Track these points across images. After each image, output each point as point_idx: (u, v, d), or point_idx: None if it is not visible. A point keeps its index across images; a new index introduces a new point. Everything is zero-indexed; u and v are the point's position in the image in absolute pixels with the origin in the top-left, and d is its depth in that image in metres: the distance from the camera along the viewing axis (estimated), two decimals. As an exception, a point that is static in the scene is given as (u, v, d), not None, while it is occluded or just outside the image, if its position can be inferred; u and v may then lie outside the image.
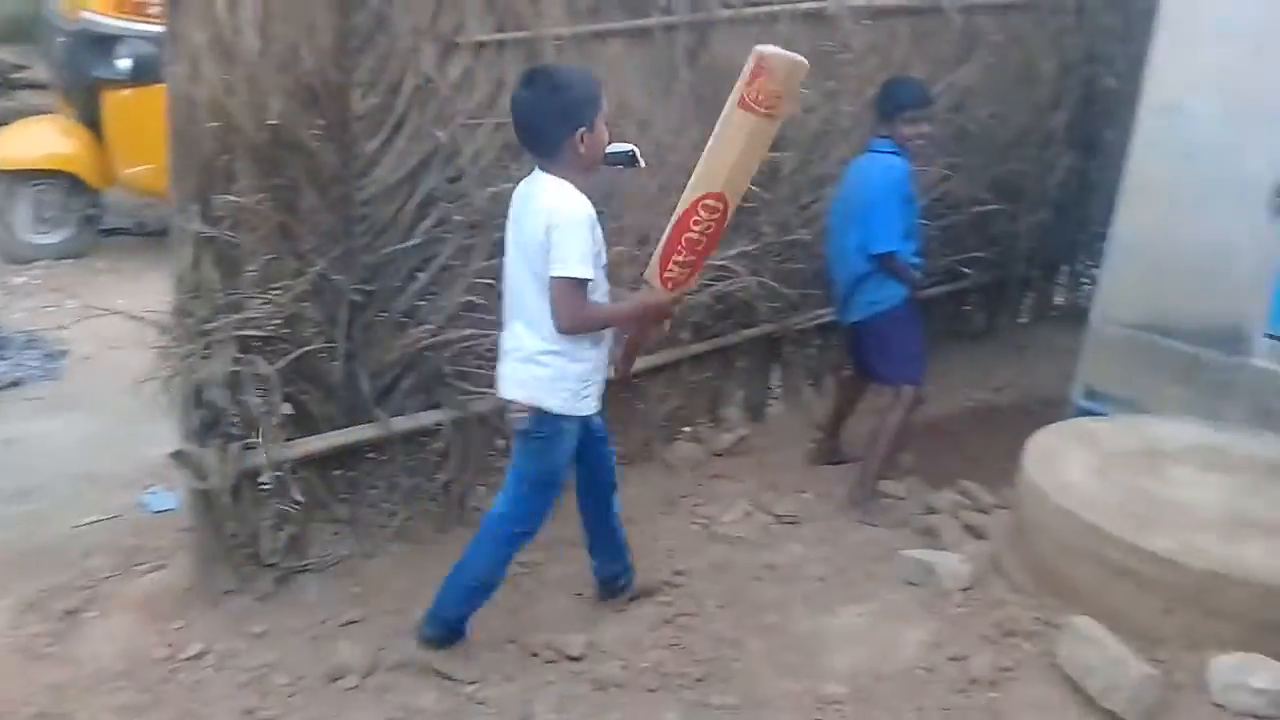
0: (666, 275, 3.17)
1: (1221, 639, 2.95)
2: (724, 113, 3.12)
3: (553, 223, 2.91)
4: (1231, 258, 4.15)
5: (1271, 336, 4.08)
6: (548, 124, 2.95)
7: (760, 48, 3.04)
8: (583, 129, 2.95)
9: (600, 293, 3.09)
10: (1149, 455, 3.63)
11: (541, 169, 3.03)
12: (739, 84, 3.06)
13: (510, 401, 3.14)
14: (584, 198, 2.98)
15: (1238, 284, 4.14)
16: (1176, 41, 4.24)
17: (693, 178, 3.17)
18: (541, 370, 3.05)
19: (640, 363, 4.42)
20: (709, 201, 3.10)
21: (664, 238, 3.19)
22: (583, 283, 2.95)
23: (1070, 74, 6.01)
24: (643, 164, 3.48)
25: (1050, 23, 5.75)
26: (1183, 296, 4.30)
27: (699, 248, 3.15)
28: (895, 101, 4.24)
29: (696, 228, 3.11)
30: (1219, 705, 2.79)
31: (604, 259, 3.12)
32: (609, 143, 3.13)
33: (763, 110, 3.03)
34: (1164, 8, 4.29)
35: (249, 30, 3.13)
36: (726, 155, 3.10)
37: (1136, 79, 4.52)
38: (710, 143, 3.15)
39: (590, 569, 3.60)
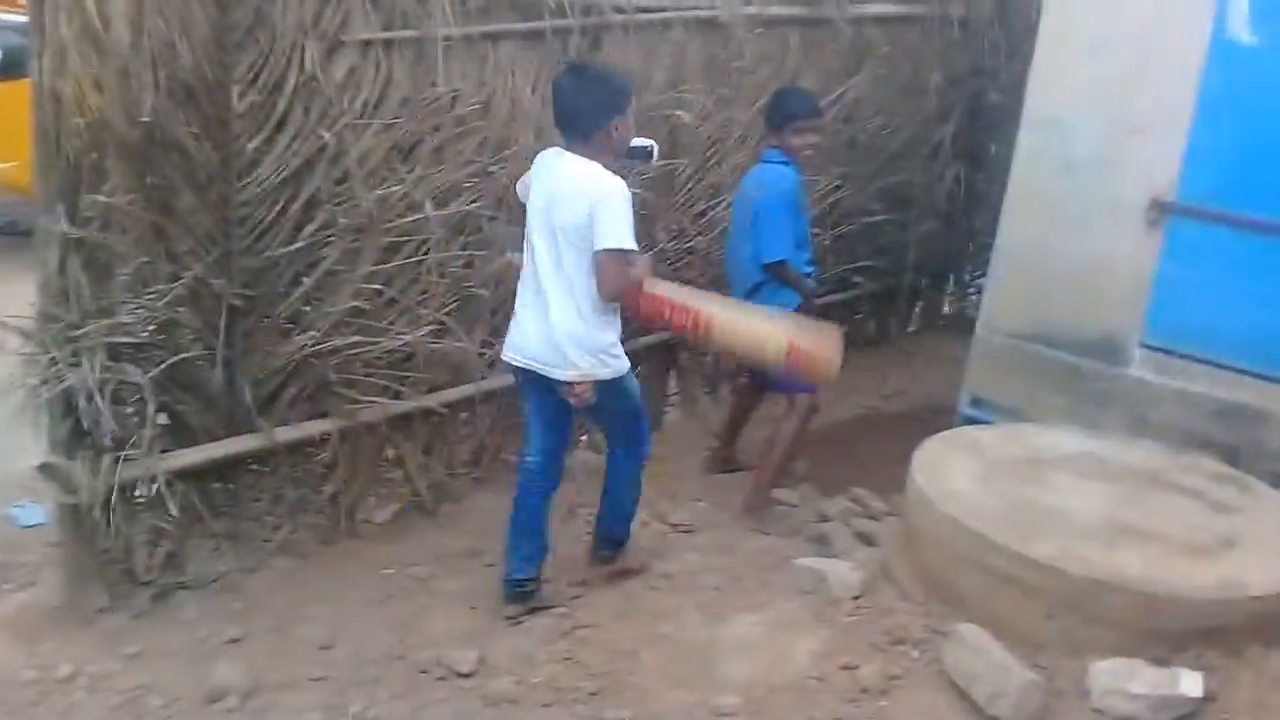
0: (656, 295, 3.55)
1: (1101, 645, 3.02)
2: (764, 322, 3.70)
3: (597, 200, 3.16)
4: (1109, 269, 4.28)
5: (1147, 347, 4.22)
6: (591, 109, 3.24)
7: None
8: (619, 119, 3.27)
9: None
10: (1032, 463, 3.71)
11: (569, 149, 3.28)
12: (793, 333, 3.63)
13: (566, 385, 3.31)
14: (618, 178, 3.24)
15: (1116, 295, 4.27)
16: (1056, 57, 4.36)
17: (719, 308, 3.67)
18: (589, 343, 3.29)
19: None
20: (703, 322, 3.59)
21: (677, 296, 3.61)
22: (628, 254, 3.21)
23: (956, 87, 6.15)
24: (655, 161, 3.76)
25: (937, 36, 5.88)
26: (1064, 307, 4.42)
27: (672, 312, 3.58)
28: (784, 112, 4.27)
29: (680, 315, 3.58)
30: (1098, 710, 2.85)
31: None
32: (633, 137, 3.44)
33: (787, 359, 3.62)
34: (1044, 25, 4.41)
35: (119, 22, 2.99)
36: (736, 332, 3.66)
37: (1019, 93, 4.64)
38: (741, 315, 3.72)
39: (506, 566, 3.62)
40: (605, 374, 3.33)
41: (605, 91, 3.28)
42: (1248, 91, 3.91)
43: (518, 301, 3.42)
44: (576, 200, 3.18)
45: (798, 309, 4.28)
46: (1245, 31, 3.88)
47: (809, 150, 4.28)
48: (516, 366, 3.42)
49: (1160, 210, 4.12)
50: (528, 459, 3.56)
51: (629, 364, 3.44)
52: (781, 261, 4.18)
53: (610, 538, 3.73)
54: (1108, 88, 4.21)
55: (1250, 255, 3.96)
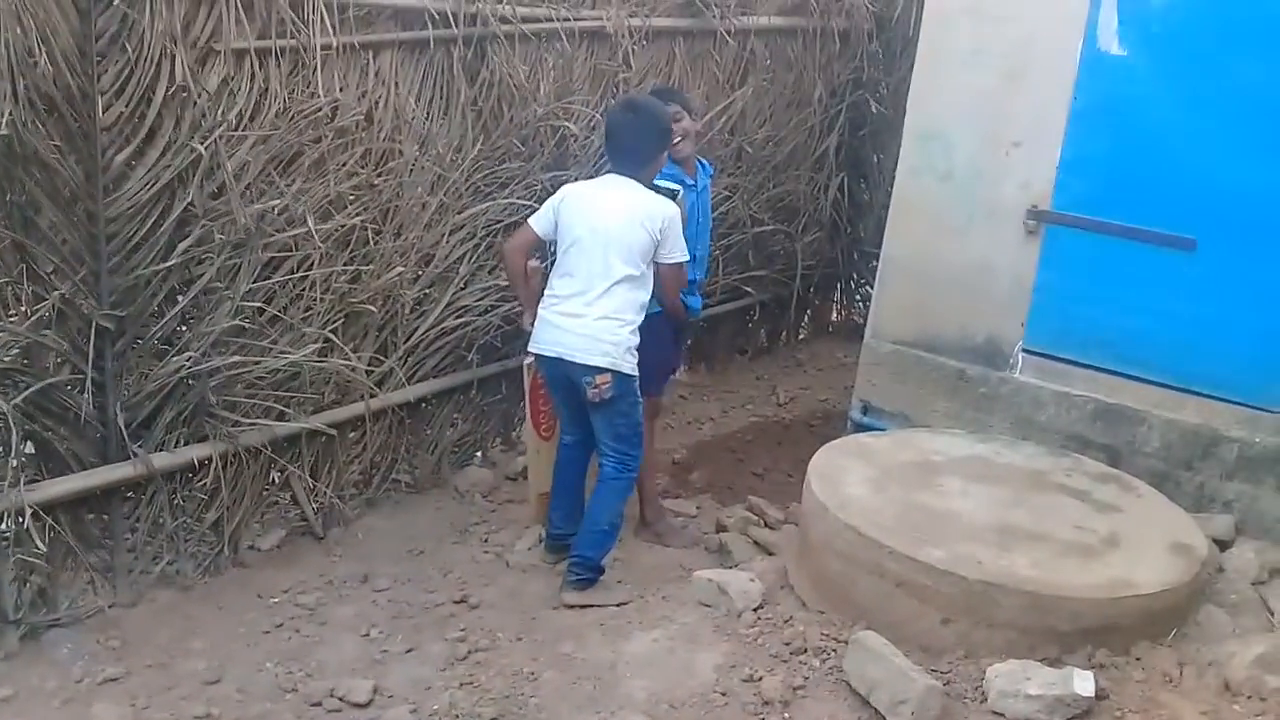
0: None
1: (996, 647, 3.08)
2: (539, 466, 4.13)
3: (667, 219, 3.66)
4: (991, 277, 4.39)
5: (1029, 352, 4.34)
6: (648, 143, 3.71)
7: None
8: (665, 151, 3.78)
9: None
10: (923, 468, 3.78)
11: (621, 175, 3.71)
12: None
13: (594, 373, 3.58)
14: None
15: (998, 302, 4.39)
16: (934, 69, 4.47)
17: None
18: (620, 340, 3.62)
19: (426, 387, 4.30)
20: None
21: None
22: (685, 266, 3.81)
23: (838, 98, 6.25)
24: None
25: (818, 49, 5.96)
26: (948, 314, 4.52)
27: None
28: None
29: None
30: (997, 713, 2.89)
31: None
32: None
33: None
34: (922, 39, 4.51)
35: (-27, 30, 2.81)
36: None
37: (901, 104, 4.73)
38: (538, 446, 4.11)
39: (547, 525, 3.97)
40: (626, 369, 3.64)
41: (659, 126, 3.74)
42: (1118, 102, 4.05)
43: (548, 303, 3.71)
44: (645, 221, 3.62)
45: (659, 314, 4.27)
46: (1114, 44, 4.03)
47: (680, 142, 4.15)
48: (548, 358, 3.70)
49: (1037, 219, 4.25)
50: (565, 437, 3.95)
51: (637, 375, 3.72)
52: None
53: (583, 562, 3.71)
54: (985, 100, 4.33)
55: (1124, 261, 4.10)
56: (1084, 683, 2.86)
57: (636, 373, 3.69)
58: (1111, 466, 4.00)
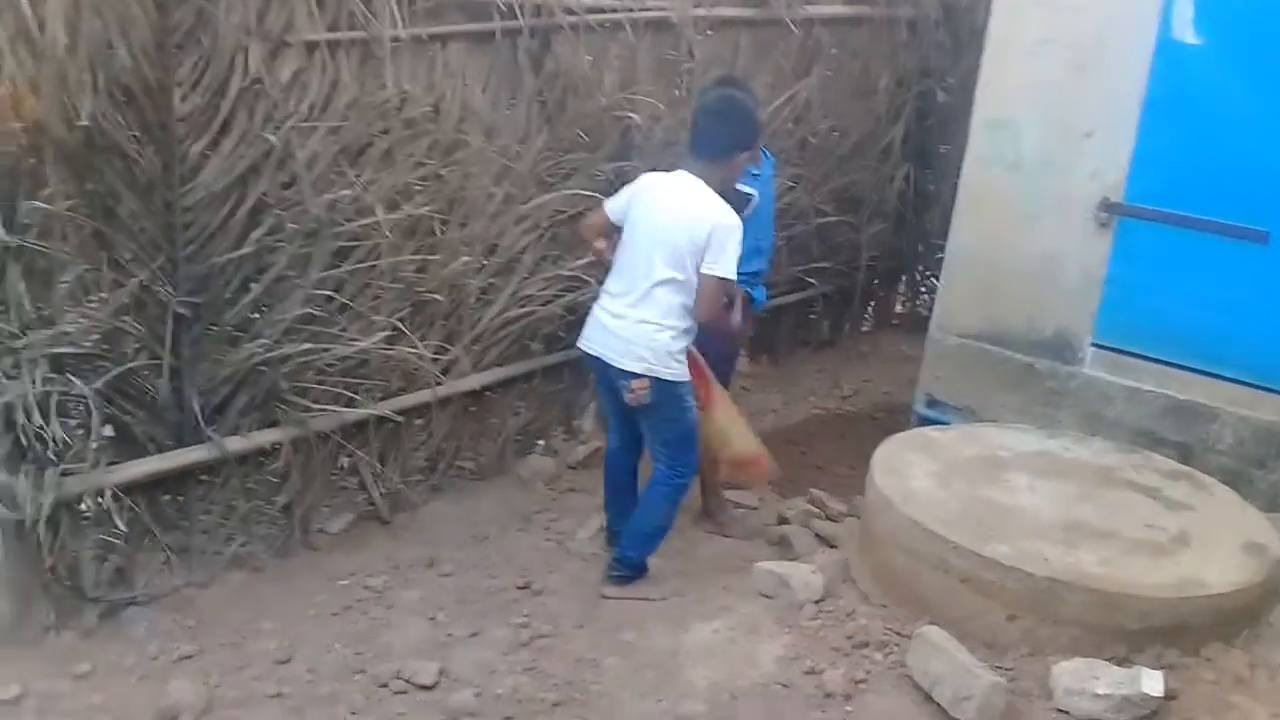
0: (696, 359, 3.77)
1: (1062, 645, 3.04)
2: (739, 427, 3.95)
3: (717, 227, 3.42)
4: (1060, 269, 4.33)
5: (1099, 346, 4.27)
6: (721, 135, 3.52)
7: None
8: (744, 154, 3.56)
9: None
10: (989, 463, 3.73)
11: (690, 171, 3.52)
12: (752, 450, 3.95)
13: (630, 377, 3.51)
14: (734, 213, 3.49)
15: (1067, 295, 4.32)
16: (1004, 59, 4.40)
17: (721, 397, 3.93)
18: (659, 344, 3.49)
19: (491, 375, 4.35)
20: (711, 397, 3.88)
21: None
22: (729, 283, 3.47)
23: (905, 88, 6.18)
24: (746, 211, 3.77)
25: (885, 38, 5.90)
26: (1016, 307, 4.46)
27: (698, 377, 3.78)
28: None
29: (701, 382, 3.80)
30: (1062, 711, 2.86)
31: None
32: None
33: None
34: (992, 27, 4.45)
35: (55, 24, 2.89)
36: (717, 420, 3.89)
37: (968, 94, 4.67)
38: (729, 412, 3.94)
39: (604, 523, 3.98)
40: (666, 374, 3.52)
41: (742, 123, 3.55)
42: (1193, 92, 3.97)
43: (601, 298, 3.66)
44: (698, 224, 3.43)
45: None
46: (1189, 33, 3.95)
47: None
48: (591, 355, 3.65)
49: (1109, 210, 4.18)
50: (610, 442, 3.92)
51: (688, 383, 3.62)
52: None
53: (623, 559, 3.74)
54: (1055, 89, 4.26)
55: (1197, 254, 4.02)
56: (1153, 683, 2.81)
57: (684, 377, 3.59)
58: (1183, 464, 3.92)
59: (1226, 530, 3.42)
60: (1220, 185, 3.96)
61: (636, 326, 3.51)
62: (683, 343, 3.56)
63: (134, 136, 3.15)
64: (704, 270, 3.45)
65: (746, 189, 3.77)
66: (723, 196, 3.54)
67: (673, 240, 3.46)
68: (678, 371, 3.55)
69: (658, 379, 3.52)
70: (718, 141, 3.53)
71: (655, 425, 3.66)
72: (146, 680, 3.15)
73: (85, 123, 2.99)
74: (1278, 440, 3.89)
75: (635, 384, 3.51)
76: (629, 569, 3.71)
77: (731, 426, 3.92)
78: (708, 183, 3.51)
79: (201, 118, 3.29)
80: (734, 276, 3.48)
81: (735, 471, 4.03)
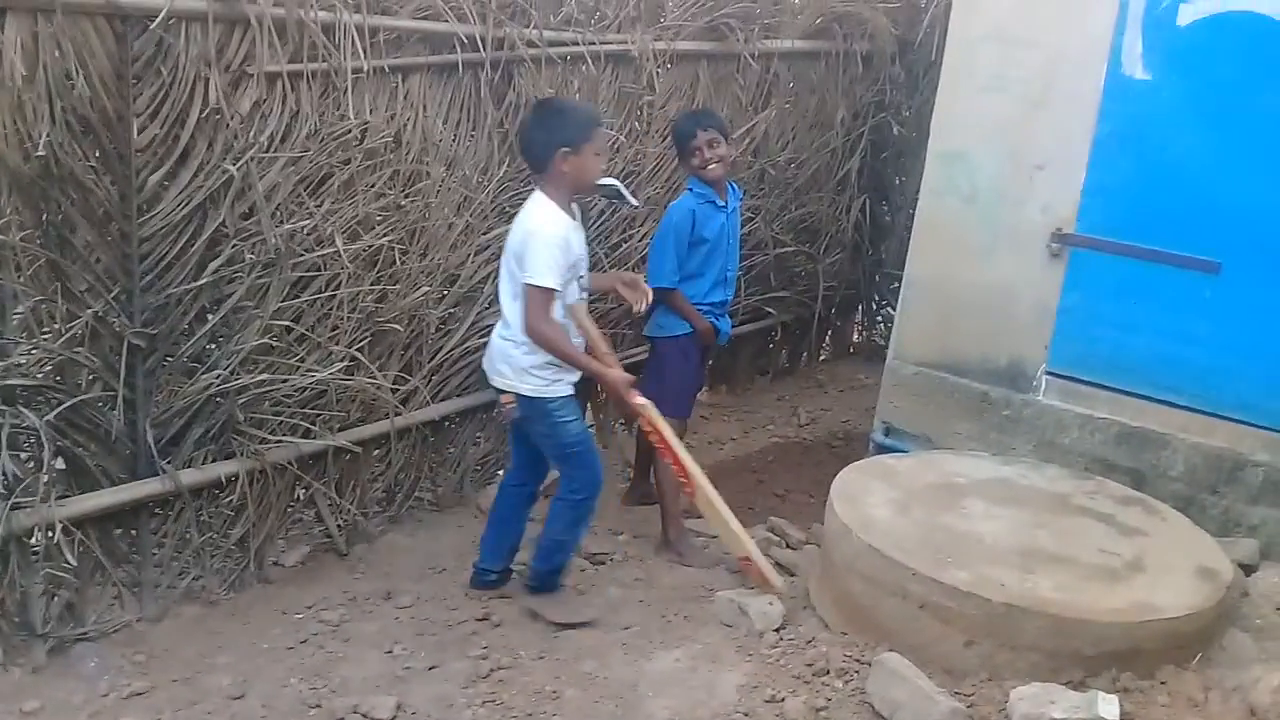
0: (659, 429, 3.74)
1: (1020, 670, 3.06)
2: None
3: (528, 234, 3.43)
4: (1014, 299, 4.39)
5: (1053, 374, 4.33)
6: (536, 144, 3.51)
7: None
8: (567, 150, 3.45)
9: (571, 298, 3.54)
10: (946, 490, 3.77)
11: (537, 187, 3.54)
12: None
13: (499, 393, 3.60)
14: (563, 216, 3.50)
15: (1021, 324, 4.38)
16: (957, 93, 4.48)
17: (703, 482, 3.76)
18: (514, 360, 3.53)
19: (450, 405, 4.33)
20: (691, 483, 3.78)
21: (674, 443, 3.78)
22: (547, 292, 3.41)
23: (861, 121, 6.28)
24: (634, 202, 3.90)
25: (841, 72, 6.00)
26: (971, 336, 4.52)
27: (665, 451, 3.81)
28: (677, 138, 4.32)
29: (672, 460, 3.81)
30: (1022, 735, 2.89)
31: (583, 272, 3.61)
32: (600, 175, 3.63)
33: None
34: (946, 61, 4.53)
35: (12, 53, 2.87)
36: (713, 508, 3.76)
37: (923, 127, 4.75)
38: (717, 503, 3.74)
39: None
40: (526, 390, 3.53)
41: (552, 122, 3.50)
42: (1142, 127, 4.06)
43: None
44: (515, 234, 3.50)
45: (687, 335, 4.29)
46: (1139, 69, 4.03)
47: (713, 165, 4.23)
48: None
49: (1061, 241, 4.25)
50: (508, 474, 3.93)
51: (566, 397, 3.58)
52: (668, 289, 4.22)
53: (531, 569, 3.74)
54: (1008, 123, 4.34)
55: (1149, 284, 4.09)
56: (1109, 706, 2.84)
57: (547, 394, 3.54)
58: (1136, 490, 3.98)
59: (1180, 555, 3.47)
60: (1171, 217, 4.04)
61: (498, 343, 3.60)
62: (540, 358, 3.50)
63: (91, 167, 3.13)
64: (522, 279, 3.44)
65: (605, 180, 3.74)
66: (587, 195, 3.63)
67: (507, 255, 3.55)
68: (538, 387, 3.53)
69: (519, 395, 3.55)
70: (535, 149, 3.54)
71: (537, 441, 3.68)
72: (96, 718, 3.08)
73: (42, 153, 2.97)
74: (1229, 466, 3.96)
75: (502, 399, 3.62)
76: (536, 579, 3.73)
77: (721, 529, 3.83)
78: (559, 191, 3.53)
79: (160, 148, 3.27)
80: (544, 284, 3.40)
81: (748, 573, 3.79)
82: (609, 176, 3.79)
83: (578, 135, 3.48)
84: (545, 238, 3.42)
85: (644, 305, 3.86)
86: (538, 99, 3.82)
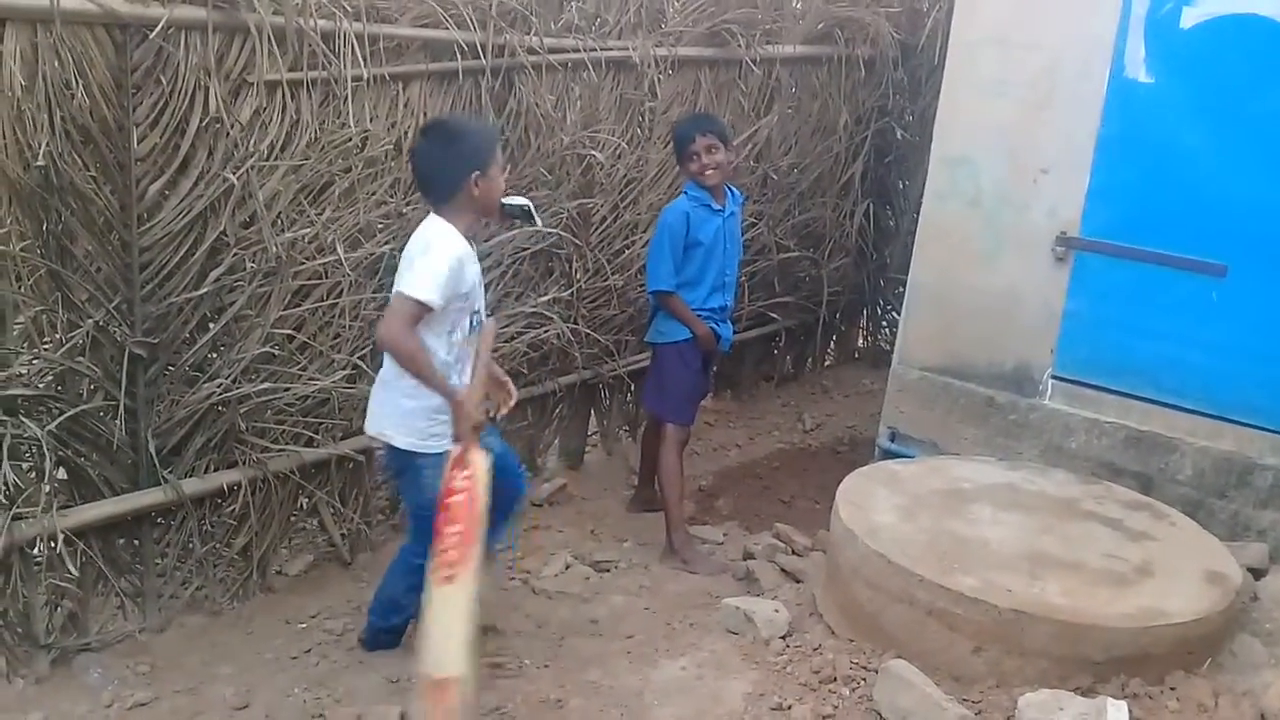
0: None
1: (1028, 676, 3.04)
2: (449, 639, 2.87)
3: (419, 248, 3.04)
4: (1019, 303, 4.37)
5: (1059, 378, 4.31)
6: (443, 170, 3.09)
7: None
8: (477, 173, 3.09)
9: (460, 334, 3.13)
10: (953, 495, 3.75)
11: (436, 213, 3.13)
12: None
13: (372, 436, 3.24)
14: (460, 239, 3.09)
15: (1026, 328, 4.36)
16: (960, 97, 4.47)
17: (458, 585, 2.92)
18: (389, 407, 3.16)
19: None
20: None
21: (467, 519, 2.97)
22: (418, 306, 2.95)
23: (864, 126, 6.27)
24: (538, 222, 3.53)
25: (843, 77, 5.98)
26: (976, 340, 4.50)
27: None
28: (676, 143, 4.30)
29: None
30: (1030, 742, 2.86)
31: (478, 305, 3.19)
32: (503, 194, 3.27)
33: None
34: (949, 66, 4.52)
35: (12, 63, 2.87)
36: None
37: (926, 131, 4.73)
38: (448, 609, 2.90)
39: None
40: (398, 442, 3.14)
41: (456, 148, 3.09)
42: (1146, 129, 4.04)
43: None
44: (415, 241, 3.09)
45: (687, 341, 4.27)
46: (1142, 72, 4.02)
47: (711, 170, 4.20)
48: None
49: (1066, 245, 4.23)
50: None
51: (435, 456, 3.10)
52: (666, 293, 4.20)
53: (370, 626, 3.49)
54: (1012, 127, 4.33)
55: (1155, 287, 4.08)
56: (1118, 713, 2.81)
57: (416, 449, 3.12)
58: (1143, 494, 3.96)
59: (1188, 560, 3.44)
60: (1176, 220, 4.02)
61: (375, 387, 3.24)
62: (420, 402, 3.08)
63: (91, 176, 3.12)
64: (395, 288, 3.03)
65: (514, 200, 3.38)
66: (495, 219, 3.36)
67: (398, 277, 3.09)
68: (412, 441, 3.12)
69: (389, 445, 3.18)
70: (443, 178, 3.10)
71: (402, 495, 3.38)
72: (100, 729, 3.08)
73: (42, 163, 2.96)
74: (1237, 470, 3.94)
75: (377, 443, 3.27)
76: (371, 633, 3.47)
77: (441, 626, 2.89)
78: (462, 218, 3.12)
79: (160, 157, 3.27)
80: (421, 297, 2.94)
81: (423, 693, 2.90)
82: (516, 195, 3.50)
83: (486, 155, 3.13)
84: (442, 252, 3.00)
85: (505, 411, 3.37)
86: (426, 123, 3.43)
